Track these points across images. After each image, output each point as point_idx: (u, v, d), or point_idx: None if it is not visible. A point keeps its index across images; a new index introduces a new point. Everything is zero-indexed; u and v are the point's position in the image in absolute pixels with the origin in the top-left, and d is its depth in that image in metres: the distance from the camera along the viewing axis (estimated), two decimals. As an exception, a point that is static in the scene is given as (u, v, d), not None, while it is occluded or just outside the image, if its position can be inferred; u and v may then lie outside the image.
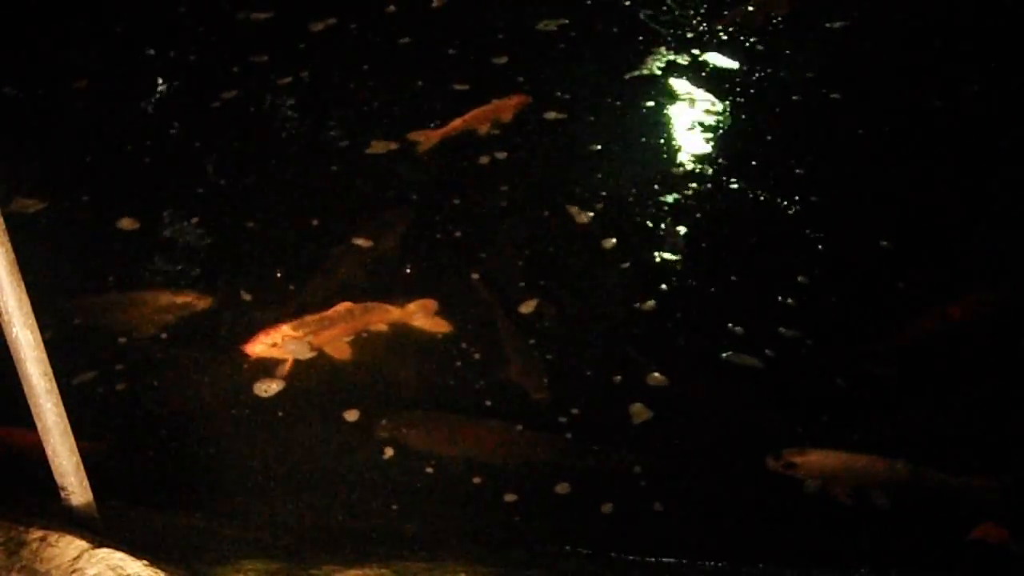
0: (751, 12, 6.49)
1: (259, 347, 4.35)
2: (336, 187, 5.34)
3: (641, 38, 6.36)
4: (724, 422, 4.08)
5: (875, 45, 6.17)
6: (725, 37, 6.32)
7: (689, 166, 5.33)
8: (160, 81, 6.27)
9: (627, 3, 6.70)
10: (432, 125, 5.60)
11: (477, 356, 4.39)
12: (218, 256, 4.99)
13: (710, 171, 5.29)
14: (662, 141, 5.54)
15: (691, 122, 5.66)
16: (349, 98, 6.04)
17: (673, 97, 5.87)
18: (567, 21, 6.47)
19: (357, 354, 4.41)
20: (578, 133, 5.62)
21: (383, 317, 4.54)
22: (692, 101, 5.83)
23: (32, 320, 2.76)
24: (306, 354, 4.35)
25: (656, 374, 4.25)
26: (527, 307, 4.61)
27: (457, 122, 5.50)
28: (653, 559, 3.49)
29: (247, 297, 4.72)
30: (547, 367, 4.31)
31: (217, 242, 5.07)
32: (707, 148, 5.46)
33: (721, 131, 5.59)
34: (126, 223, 5.12)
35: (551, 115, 5.70)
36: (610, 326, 4.53)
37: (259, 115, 5.92)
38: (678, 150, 5.47)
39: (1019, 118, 5.51)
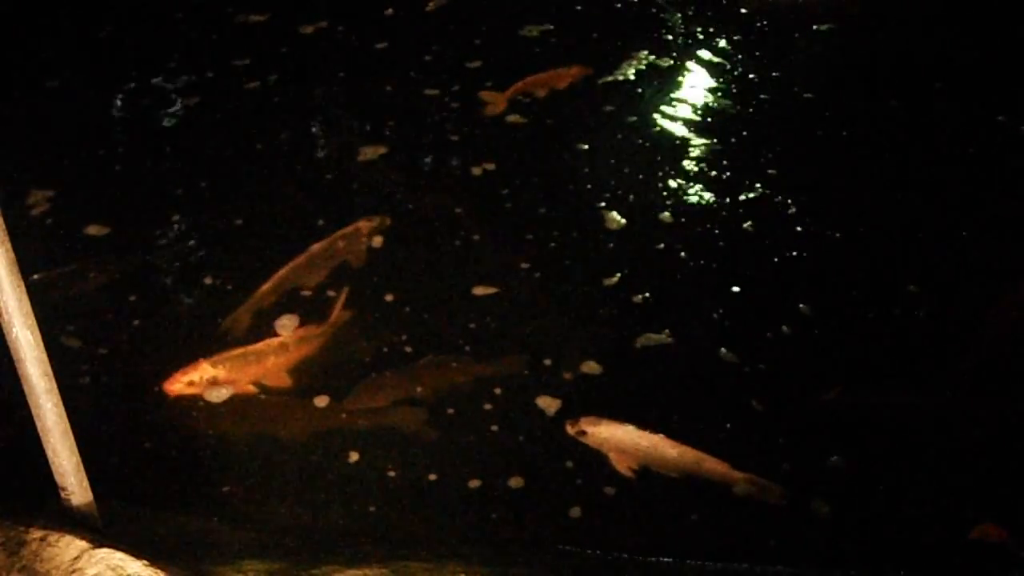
0: None
1: (177, 386, 4.16)
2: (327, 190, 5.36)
3: (620, 43, 6.39)
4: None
5: (863, 47, 6.25)
6: (704, 39, 6.36)
7: (666, 166, 5.36)
8: (138, 83, 6.19)
9: (617, 5, 6.76)
10: (391, 124, 5.77)
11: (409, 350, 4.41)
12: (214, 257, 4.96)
13: (689, 170, 5.33)
14: (635, 144, 5.57)
15: (669, 125, 5.68)
16: (320, 101, 6.08)
17: (649, 101, 5.90)
18: (551, 26, 6.50)
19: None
20: (544, 139, 5.64)
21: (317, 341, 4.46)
22: (669, 104, 5.86)
23: (32, 320, 2.76)
24: (240, 389, 4.21)
25: (592, 363, 4.28)
26: (481, 290, 4.65)
27: (519, 84, 5.99)
28: (651, 559, 3.50)
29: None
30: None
31: (207, 244, 5.04)
32: (687, 148, 5.50)
33: (700, 132, 5.61)
34: (93, 229, 5.05)
35: (513, 118, 5.74)
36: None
37: (236, 118, 5.87)
38: (653, 152, 5.49)
39: (995, 122, 5.57)
